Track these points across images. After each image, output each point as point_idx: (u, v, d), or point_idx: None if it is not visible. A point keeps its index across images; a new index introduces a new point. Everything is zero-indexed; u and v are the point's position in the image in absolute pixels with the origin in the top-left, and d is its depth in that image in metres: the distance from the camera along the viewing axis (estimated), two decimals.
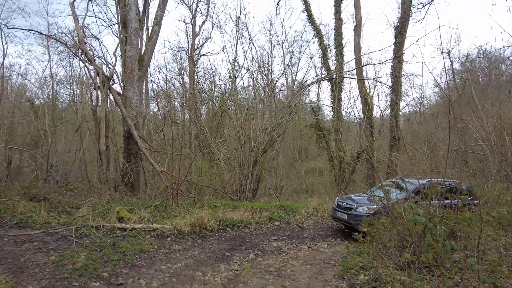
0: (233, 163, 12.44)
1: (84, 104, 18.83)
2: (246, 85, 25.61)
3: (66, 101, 20.68)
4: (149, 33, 13.37)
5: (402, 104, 20.46)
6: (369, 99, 14.65)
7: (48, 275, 4.35)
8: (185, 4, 25.72)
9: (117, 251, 5.40)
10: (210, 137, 13.21)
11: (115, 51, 16.94)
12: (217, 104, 19.30)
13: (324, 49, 17.57)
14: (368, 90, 15.13)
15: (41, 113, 18.07)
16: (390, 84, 14.86)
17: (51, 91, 19.10)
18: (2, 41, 17.83)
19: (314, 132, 15.88)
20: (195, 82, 23.61)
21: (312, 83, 16.39)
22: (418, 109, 27.43)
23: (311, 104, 15.31)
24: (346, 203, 8.60)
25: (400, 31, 14.50)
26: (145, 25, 18.07)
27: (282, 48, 24.53)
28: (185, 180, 10.25)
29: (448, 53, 25.77)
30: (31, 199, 8.15)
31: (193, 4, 25.49)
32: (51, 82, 19.26)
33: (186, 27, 25.32)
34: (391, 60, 14.80)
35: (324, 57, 17.61)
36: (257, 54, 29.77)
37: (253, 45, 42.97)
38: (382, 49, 25.37)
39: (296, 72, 27.02)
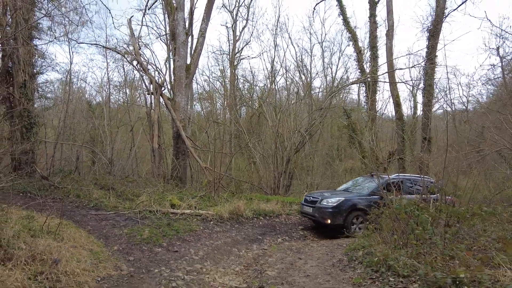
0: (268, 161, 13.64)
1: (136, 106, 21.10)
2: (284, 85, 26.56)
3: (120, 103, 23.14)
4: (195, 44, 14.92)
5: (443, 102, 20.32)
6: (400, 102, 15.09)
7: (125, 241, 5.87)
8: (227, 9, 27.30)
9: (172, 229, 6.82)
10: (248, 137, 14.48)
11: (165, 61, 18.79)
12: (253, 106, 20.58)
13: (358, 51, 18.16)
14: (399, 93, 15.53)
15: (98, 114, 20.55)
16: (423, 86, 15.19)
17: (108, 94, 21.53)
18: (69, 52, 20.38)
19: (347, 132, 16.59)
20: (236, 84, 25.12)
21: (343, 86, 17.08)
22: (465, 107, 26.69)
23: (343, 106, 16.04)
24: (312, 197, 8.65)
25: (433, 34, 14.78)
26: (190, 34, 19.79)
27: (322, 47, 25.04)
28: (225, 175, 11.63)
29: (497, 48, 24.89)
30: (101, 188, 9.98)
31: (234, 9, 26.99)
32: (108, 86, 21.69)
33: (228, 31, 26.67)
34: (424, 63, 15.13)
35: (359, 60, 18.20)
36: (296, 53, 30.59)
37: (292, 44, 43.89)
38: (413, 52, 25.02)
39: (336, 71, 27.47)
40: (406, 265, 3.64)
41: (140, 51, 14.77)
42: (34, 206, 7.38)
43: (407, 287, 3.35)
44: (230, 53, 26.44)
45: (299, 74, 24.56)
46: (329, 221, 7.77)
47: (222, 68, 27.63)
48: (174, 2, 14.21)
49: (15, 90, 10.14)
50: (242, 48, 27.18)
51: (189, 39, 18.37)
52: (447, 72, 33.96)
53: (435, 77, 15.04)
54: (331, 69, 25.88)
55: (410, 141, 15.35)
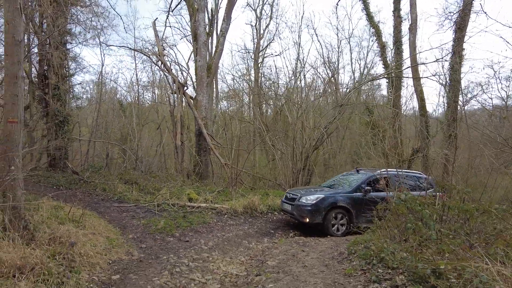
0: (287, 158, 13.77)
1: (163, 105, 21.90)
2: (309, 82, 26.45)
3: (149, 102, 24.12)
4: (216, 44, 15.32)
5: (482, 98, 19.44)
6: (424, 97, 14.67)
7: (141, 231, 6.31)
8: (251, 7, 27.56)
9: (186, 221, 7.20)
10: (266, 134, 14.69)
11: (188, 61, 19.38)
12: (276, 103, 20.70)
13: (382, 47, 17.81)
14: (422, 88, 15.08)
15: (128, 113, 21.55)
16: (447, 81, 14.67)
17: (137, 94, 22.51)
18: (101, 54, 21.65)
19: (368, 129, 16.36)
20: (259, 82, 25.37)
21: (365, 81, 16.81)
22: (504, 102, 25.25)
23: (364, 102, 15.82)
24: (292, 194, 8.24)
25: (460, 27, 14.21)
26: (215, 34, 20.26)
27: (349, 42, 24.68)
28: (243, 172, 11.94)
29: None
30: (125, 182, 10.61)
31: (258, 7, 27.19)
32: (136, 86, 22.68)
33: (252, 30, 26.89)
34: (450, 57, 14.60)
35: (383, 55, 17.84)
36: (322, 49, 30.33)
37: (318, 41, 43.41)
38: (438, 46, 24.01)
39: (365, 66, 26.94)
40: (396, 258, 3.72)
41: (164, 51, 15.42)
42: (64, 197, 8.05)
43: (393, 277, 3.44)
44: (254, 51, 26.74)
45: (326, 70, 24.42)
46: (307, 220, 7.41)
47: (247, 66, 28.01)
48: (195, 3, 14.66)
49: (49, 91, 10.98)
50: (266, 46, 27.37)
51: (211, 39, 18.82)
52: (483, 67, 32.33)
53: (463, 71, 14.47)
54: (359, 64, 25.44)
55: (434, 138, 14.91)
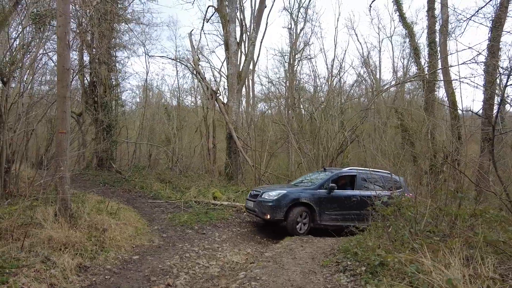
0: (312, 161, 14.26)
1: (200, 109, 23.33)
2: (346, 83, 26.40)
3: (190, 106, 25.78)
4: (246, 52, 16.22)
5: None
6: (456, 100, 14.33)
7: (166, 223, 7.34)
8: (287, 11, 28.15)
9: (207, 216, 8.12)
10: (294, 137, 15.28)
11: (220, 68, 20.53)
12: (303, 106, 21.15)
13: (414, 48, 17.57)
14: (454, 91, 14.72)
15: (171, 117, 23.25)
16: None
17: (178, 99, 24.19)
18: (146, 63, 23.61)
19: (398, 132, 16.27)
20: (294, 85, 25.90)
21: (393, 84, 16.69)
22: None
23: (392, 106, 15.76)
24: (255, 191, 8.11)
25: (495, 25, 13.74)
26: (247, 42, 21.21)
27: (391, 41, 24.37)
28: (268, 172, 12.69)
29: None
30: (161, 181, 11.87)
31: (294, 11, 27.70)
32: (178, 92, 24.39)
33: (289, 33, 27.42)
34: (485, 58, 14.15)
35: (416, 57, 17.59)
36: (362, 50, 30.07)
37: (358, 41, 42.76)
38: (471, 47, 22.63)
39: (407, 66, 26.26)
40: (365, 253, 4.26)
41: (200, 61, 16.66)
42: (107, 193, 9.41)
43: (356, 268, 4.01)
44: (289, 55, 27.33)
45: (366, 69, 24.31)
46: (268, 216, 7.22)
47: (284, 68, 28.65)
48: (227, 15, 15.67)
49: (98, 100, 12.61)
50: (302, 49, 27.82)
51: (244, 46, 19.77)
52: None
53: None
54: (402, 63, 24.88)
55: (469, 142, 14.46)
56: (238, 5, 16.21)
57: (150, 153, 18.21)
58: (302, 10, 27.49)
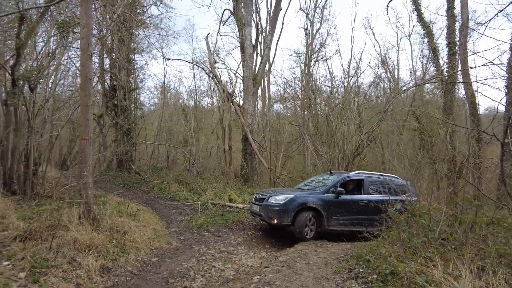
0: (328, 163, 14.25)
1: (218, 111, 23.63)
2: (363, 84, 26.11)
3: (207, 107, 26.13)
4: (261, 55, 16.34)
5: None
6: (476, 102, 14.01)
7: (183, 225, 7.57)
8: (304, 11, 28.04)
9: (223, 219, 8.30)
10: (309, 139, 15.30)
11: (236, 70, 20.72)
12: (318, 107, 21.10)
13: (433, 49, 17.25)
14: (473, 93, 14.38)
15: (189, 118, 23.65)
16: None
17: (195, 100, 24.57)
18: (164, 65, 24.12)
19: (416, 135, 16.03)
20: (310, 86, 25.83)
21: (411, 86, 16.43)
22: None
23: (410, 108, 15.52)
24: (261, 194, 7.89)
25: None
26: (263, 44, 21.31)
27: (410, 40, 23.84)
28: (283, 175, 12.78)
29: None
30: (179, 183, 12.15)
31: (310, 11, 27.55)
32: (195, 94, 24.77)
33: (305, 33, 27.29)
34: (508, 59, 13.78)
35: (435, 58, 17.28)
36: (379, 49, 29.59)
37: (376, 40, 42.15)
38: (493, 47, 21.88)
39: (426, 65, 25.65)
40: (377, 261, 4.32)
41: (216, 63, 16.92)
42: (127, 195, 9.73)
43: (368, 276, 4.07)
44: (305, 55, 27.25)
45: (384, 69, 23.97)
46: (275, 221, 7.05)
47: (301, 68, 28.61)
48: (243, 18, 15.83)
49: (117, 103, 13.02)
50: (318, 50, 27.67)
51: (259, 48, 19.88)
52: None
53: None
54: (421, 62, 24.38)
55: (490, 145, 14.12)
56: (254, 7, 16.37)
57: (168, 154, 18.62)
58: (318, 10, 27.34)
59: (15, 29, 7.54)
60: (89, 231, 5.08)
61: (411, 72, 25.93)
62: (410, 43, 25.38)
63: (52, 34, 9.03)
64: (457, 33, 15.85)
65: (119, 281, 4.34)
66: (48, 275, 3.87)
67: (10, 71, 7.18)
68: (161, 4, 12.90)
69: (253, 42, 15.60)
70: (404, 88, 16.72)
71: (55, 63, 9.45)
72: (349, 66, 24.14)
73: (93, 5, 7.41)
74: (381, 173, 8.79)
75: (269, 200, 7.31)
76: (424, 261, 3.79)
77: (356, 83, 22.68)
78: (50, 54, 8.83)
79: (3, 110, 7.68)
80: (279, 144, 16.69)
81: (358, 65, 21.87)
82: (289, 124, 21.09)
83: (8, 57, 8.56)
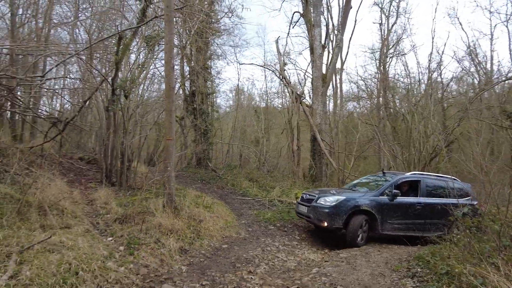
0: (403, 165, 13.61)
1: (287, 112, 24.09)
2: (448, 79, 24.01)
3: (278, 108, 26.80)
4: (331, 54, 16.29)
5: None
6: None
7: (252, 218, 8.18)
8: (378, 6, 26.83)
9: (289, 215, 8.67)
10: (381, 139, 14.77)
11: (305, 71, 20.87)
12: (393, 106, 20.04)
13: None
14: None
15: (260, 119, 24.57)
16: None
17: (267, 101, 25.39)
18: (237, 70, 25.46)
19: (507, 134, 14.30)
20: (386, 83, 24.65)
21: (499, 81, 14.64)
22: None
23: (500, 105, 13.87)
24: (309, 195, 7.44)
25: None
26: (333, 44, 21.07)
27: (507, 27, 21.22)
28: (352, 175, 12.60)
29: None
30: (249, 180, 12.90)
31: (385, 5, 26.25)
32: (266, 95, 25.60)
33: (380, 28, 26.18)
34: None
35: None
36: (467, 39, 26.41)
37: (463, 30, 38.13)
38: None
39: None
40: (437, 263, 4.27)
41: (286, 65, 17.37)
42: (204, 189, 10.75)
43: (425, 276, 4.07)
44: (380, 52, 26.06)
45: (473, 61, 21.78)
46: (325, 224, 6.68)
47: (376, 65, 27.47)
48: (312, 19, 15.98)
49: (196, 106, 14.33)
50: (394, 45, 26.22)
51: (329, 47, 19.74)
52: None
53: None
54: None
55: None
56: (325, 5, 16.40)
57: (241, 153, 19.72)
58: (394, 3, 25.92)
59: (114, 47, 9.01)
60: (171, 218, 5.94)
61: (499, 64, 23.00)
62: (508, 30, 22.06)
63: (142, 48, 10.48)
64: None
65: (194, 261, 5.06)
66: (139, 250, 4.73)
67: (110, 83, 8.60)
68: (232, 16, 13.81)
69: (323, 42, 15.64)
70: (495, 81, 15.00)
71: (144, 72, 10.92)
72: (429, 60, 22.43)
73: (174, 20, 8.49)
74: (439, 175, 8.26)
75: (318, 201, 6.97)
76: (486, 266, 3.68)
77: (440, 78, 20.90)
78: (140, 66, 10.27)
79: (105, 115, 9.19)
80: (351, 144, 16.41)
81: (440, 59, 20.09)
82: (363, 124, 20.51)
83: (107, 70, 10.23)
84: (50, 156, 8.79)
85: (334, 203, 6.71)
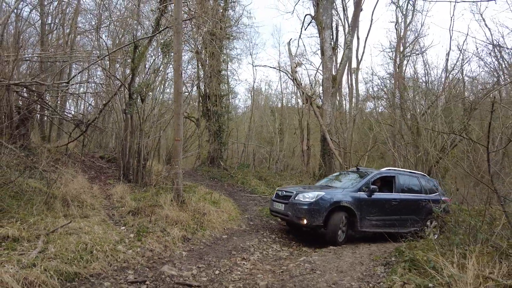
0: (412, 166, 13.76)
1: (298, 113, 24.48)
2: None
3: (291, 108, 27.23)
4: (342, 56, 16.58)
5: None
6: None
7: (255, 213, 8.77)
8: (395, 4, 26.66)
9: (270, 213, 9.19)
10: (388, 140, 14.97)
11: (316, 72, 21.18)
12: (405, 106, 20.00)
13: None
14: None
15: (275, 118, 25.09)
16: None
17: (281, 102, 25.88)
18: (253, 71, 26.07)
19: None
20: (401, 83, 24.54)
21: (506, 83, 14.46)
22: None
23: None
24: (285, 191, 7.13)
25: None
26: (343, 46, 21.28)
27: None
28: None
29: None
30: (259, 179, 13.49)
31: (402, 3, 26.05)
32: (281, 95, 26.09)
33: (396, 28, 26.07)
34: None
35: None
36: (491, 36, 25.84)
37: (486, 26, 37.10)
38: None
39: None
40: (410, 253, 4.70)
41: (299, 66, 17.83)
42: (215, 187, 11.43)
43: (397, 264, 4.52)
44: (395, 51, 25.95)
45: (496, 59, 21.36)
46: (305, 221, 6.39)
47: (395, 64, 27.35)
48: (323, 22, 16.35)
49: (210, 108, 15.06)
50: (411, 43, 26.02)
51: (339, 48, 19.98)
52: None
53: None
54: None
55: None
56: (340, 6, 16.69)
57: (254, 152, 20.32)
58: (410, 1, 25.73)
59: (130, 55, 9.83)
60: (177, 210, 6.62)
61: None
62: None
63: (158, 54, 11.26)
64: None
65: (194, 248, 5.70)
66: (147, 237, 5.42)
67: (128, 88, 9.40)
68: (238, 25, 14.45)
69: (338, 42, 15.98)
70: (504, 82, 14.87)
71: (160, 77, 11.72)
72: (447, 59, 22.18)
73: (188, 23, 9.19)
74: (411, 171, 8.41)
75: (297, 198, 6.67)
76: (448, 254, 4.11)
77: (461, 75, 20.62)
78: (156, 70, 11.05)
79: (123, 117, 10.01)
80: (365, 143, 16.66)
81: (462, 56, 19.69)
82: (378, 123, 20.59)
83: (127, 74, 11.08)
84: (74, 155, 9.71)
85: (314, 199, 6.45)
